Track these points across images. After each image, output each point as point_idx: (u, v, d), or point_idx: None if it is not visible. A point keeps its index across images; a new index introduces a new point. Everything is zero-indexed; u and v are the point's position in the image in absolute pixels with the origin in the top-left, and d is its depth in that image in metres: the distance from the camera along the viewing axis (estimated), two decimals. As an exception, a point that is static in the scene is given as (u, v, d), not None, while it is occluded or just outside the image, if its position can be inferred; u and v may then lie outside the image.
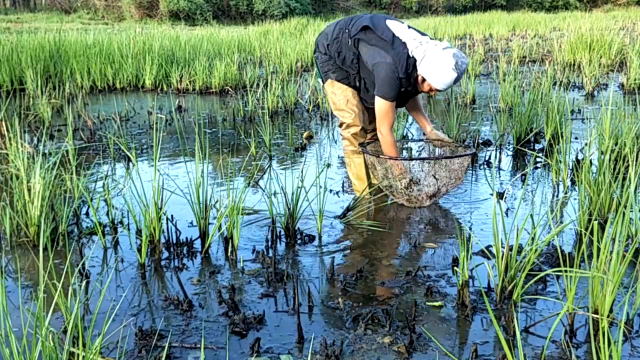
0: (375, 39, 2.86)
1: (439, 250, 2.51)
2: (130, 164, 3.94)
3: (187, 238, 2.54)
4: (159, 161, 3.88)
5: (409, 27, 2.91)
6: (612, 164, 2.92)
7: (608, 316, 1.78)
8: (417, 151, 3.49)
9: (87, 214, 2.93)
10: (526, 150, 4.04)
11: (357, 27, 2.92)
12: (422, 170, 3.07)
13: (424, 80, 2.84)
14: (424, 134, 3.36)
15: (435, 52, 2.75)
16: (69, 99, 6.45)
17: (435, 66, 2.73)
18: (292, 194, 2.61)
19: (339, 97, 3.10)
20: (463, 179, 3.14)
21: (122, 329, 1.87)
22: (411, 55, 2.80)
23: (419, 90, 2.94)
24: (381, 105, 2.89)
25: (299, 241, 2.62)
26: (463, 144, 3.17)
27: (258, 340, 1.76)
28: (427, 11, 26.92)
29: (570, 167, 3.50)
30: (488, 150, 4.20)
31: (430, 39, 2.87)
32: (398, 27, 2.88)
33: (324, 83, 3.16)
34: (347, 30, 2.96)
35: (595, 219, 2.55)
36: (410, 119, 5.14)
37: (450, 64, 2.71)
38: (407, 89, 2.89)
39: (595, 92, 6.57)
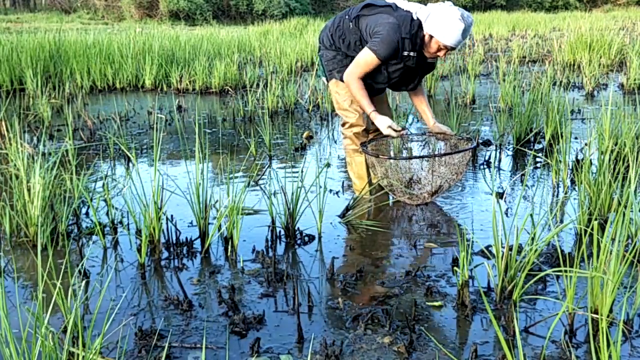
0: (377, 8, 2.88)
1: (439, 250, 2.51)
2: (130, 164, 3.94)
3: (187, 238, 2.54)
4: (159, 161, 3.87)
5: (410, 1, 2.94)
6: (612, 164, 2.92)
7: (608, 316, 1.78)
8: (420, 145, 3.48)
9: (87, 214, 2.93)
10: (526, 150, 4.04)
11: (358, 7, 2.95)
12: (423, 168, 3.07)
13: (431, 38, 2.81)
14: (427, 132, 3.36)
15: (439, 9, 2.75)
16: (69, 99, 6.45)
17: (442, 20, 2.72)
18: (292, 194, 2.61)
19: (343, 97, 3.09)
20: (465, 173, 3.13)
21: (122, 328, 1.87)
22: (415, 18, 2.80)
23: (426, 53, 2.88)
24: (366, 55, 2.83)
25: (299, 241, 2.62)
26: (465, 137, 3.15)
27: (258, 340, 1.77)
28: (427, 11, 26.94)
29: (570, 167, 3.50)
30: (488, 150, 4.20)
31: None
32: (399, 1, 2.90)
33: (327, 82, 3.16)
34: (347, 16, 2.98)
35: (596, 219, 2.55)
36: (410, 118, 5.14)
37: (456, 15, 2.70)
38: (409, 53, 2.84)
39: (595, 92, 6.57)
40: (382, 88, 3.08)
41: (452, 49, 2.81)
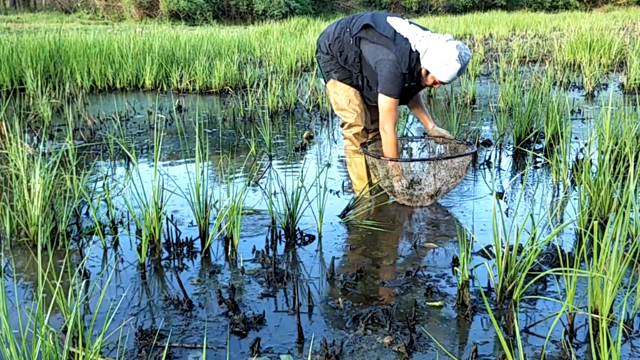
0: (377, 36, 2.86)
1: (439, 250, 2.51)
2: (130, 164, 3.94)
3: (187, 238, 2.54)
4: (159, 161, 3.87)
5: (410, 22, 2.93)
6: (612, 164, 2.92)
7: (608, 316, 1.78)
8: (419, 148, 3.49)
9: (87, 214, 2.93)
10: (526, 150, 4.04)
11: (359, 25, 2.92)
12: (423, 171, 3.07)
13: (427, 73, 2.84)
14: (424, 134, 3.36)
15: (438, 45, 2.75)
16: (69, 99, 6.45)
17: (439, 58, 2.73)
18: (292, 194, 2.61)
19: (341, 97, 3.10)
20: (464, 177, 3.14)
21: (122, 328, 1.87)
22: (414, 50, 2.80)
23: (422, 84, 2.92)
24: (385, 102, 2.87)
25: (299, 241, 2.62)
26: (465, 141, 3.16)
27: (258, 340, 1.77)
28: (427, 11, 26.92)
29: (570, 167, 3.50)
30: (488, 150, 4.20)
31: (433, 33, 2.87)
32: (399, 24, 2.89)
33: (326, 83, 3.16)
34: (348, 30, 2.96)
35: (595, 219, 2.55)
36: (410, 118, 5.14)
37: (454, 55, 2.71)
38: (410, 84, 2.87)
39: (595, 92, 6.57)
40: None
41: (447, 83, 2.87)
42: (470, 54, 2.82)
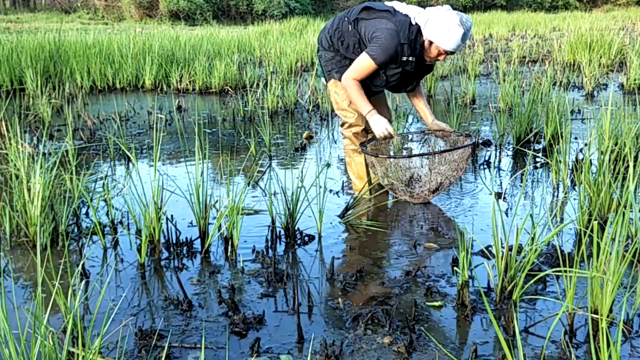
0: (375, 12, 2.88)
1: (439, 250, 2.51)
2: (130, 164, 3.94)
3: (187, 238, 2.54)
4: (159, 161, 3.87)
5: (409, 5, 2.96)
6: (612, 164, 2.92)
7: (608, 316, 1.78)
8: (419, 143, 3.48)
9: (87, 214, 2.93)
10: (526, 150, 4.04)
11: (357, 10, 2.95)
12: (422, 167, 3.07)
13: (430, 44, 2.82)
14: (427, 130, 3.36)
15: (438, 14, 2.76)
16: (69, 99, 6.45)
17: (441, 26, 2.73)
18: (292, 194, 2.61)
19: (342, 97, 3.10)
20: (465, 169, 3.14)
21: (122, 328, 1.87)
22: (414, 23, 2.80)
23: (426, 57, 2.89)
24: (364, 61, 2.84)
25: (299, 241, 2.62)
26: (464, 133, 3.16)
27: (258, 340, 1.77)
28: (427, 11, 26.95)
29: (570, 167, 3.50)
30: (488, 151, 4.20)
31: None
32: (398, 4, 2.92)
33: (327, 82, 3.16)
34: (346, 18, 2.99)
35: (595, 219, 2.55)
36: (410, 118, 5.14)
37: (455, 20, 2.71)
38: (408, 58, 2.85)
39: (595, 92, 6.57)
40: (379, 90, 3.09)
41: (452, 53, 2.82)
42: (472, 21, 2.82)
